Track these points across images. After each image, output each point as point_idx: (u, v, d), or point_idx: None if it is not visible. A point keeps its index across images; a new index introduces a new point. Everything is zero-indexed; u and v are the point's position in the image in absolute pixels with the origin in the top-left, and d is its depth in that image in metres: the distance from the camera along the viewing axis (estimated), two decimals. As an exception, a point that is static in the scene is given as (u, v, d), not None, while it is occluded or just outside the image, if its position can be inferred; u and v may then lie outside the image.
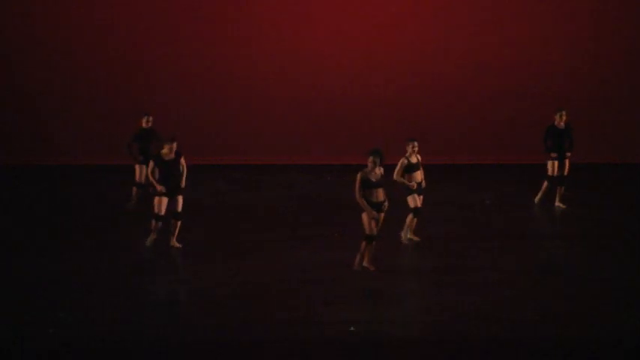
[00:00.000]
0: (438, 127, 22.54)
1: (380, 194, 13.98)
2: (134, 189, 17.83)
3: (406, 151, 15.47)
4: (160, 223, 15.17)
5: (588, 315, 12.52)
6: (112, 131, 21.49)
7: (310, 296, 13.23)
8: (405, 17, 22.71)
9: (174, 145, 15.18)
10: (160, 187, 15.04)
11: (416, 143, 15.49)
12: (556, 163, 18.04)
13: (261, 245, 15.74)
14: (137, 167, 17.80)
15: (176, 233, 15.26)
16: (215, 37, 22.50)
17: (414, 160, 15.50)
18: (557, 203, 18.19)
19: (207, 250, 15.49)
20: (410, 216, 15.55)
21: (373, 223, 13.92)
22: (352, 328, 11.94)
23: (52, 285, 13.67)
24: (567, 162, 18.11)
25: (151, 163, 15.24)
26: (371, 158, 13.93)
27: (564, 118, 18.07)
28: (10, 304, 12.86)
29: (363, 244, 14.06)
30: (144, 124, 17.90)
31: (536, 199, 18.40)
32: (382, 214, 14.05)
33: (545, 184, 18.28)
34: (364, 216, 13.95)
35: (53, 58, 22.42)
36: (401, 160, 15.45)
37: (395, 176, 15.30)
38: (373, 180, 13.94)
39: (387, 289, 13.61)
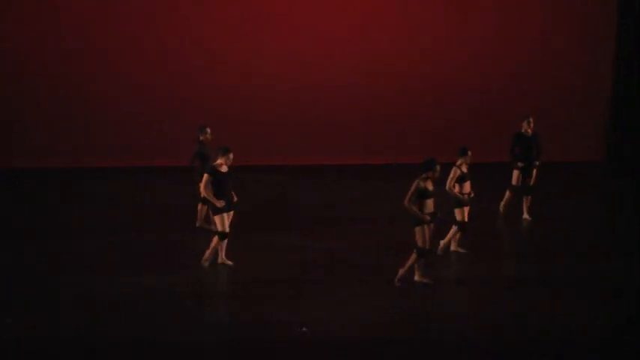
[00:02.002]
0: (412, 127, 22.60)
1: (432, 205, 13.28)
2: (199, 205, 15.83)
3: (457, 161, 14.86)
4: (225, 242, 14.20)
5: (552, 315, 12.57)
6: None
7: (264, 297, 13.16)
8: (372, 16, 22.69)
9: (231, 156, 14.11)
10: (219, 203, 13.93)
11: (470, 153, 14.92)
12: (519, 172, 17.24)
13: (203, 248, 15.21)
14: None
15: (225, 249, 14.41)
16: (186, 42, 22.30)
17: (465, 169, 14.91)
18: (524, 215, 17.45)
19: (163, 254, 15.23)
20: (455, 228, 14.92)
21: (427, 236, 13.22)
22: (304, 329, 11.87)
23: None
24: (535, 171, 17.31)
25: (206, 177, 13.94)
26: (437, 167, 13.21)
27: (532, 124, 17.35)
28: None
29: (413, 257, 13.30)
30: (203, 138, 16.10)
31: (501, 208, 17.57)
32: (432, 225, 13.35)
33: (508, 193, 17.53)
34: (418, 230, 13.18)
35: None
36: (454, 169, 14.81)
37: (447, 186, 14.70)
38: (430, 189, 13.27)
39: (340, 290, 13.51)
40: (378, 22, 22.77)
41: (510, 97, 22.96)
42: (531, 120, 17.36)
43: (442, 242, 15.01)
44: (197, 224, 15.81)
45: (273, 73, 22.42)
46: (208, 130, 16.07)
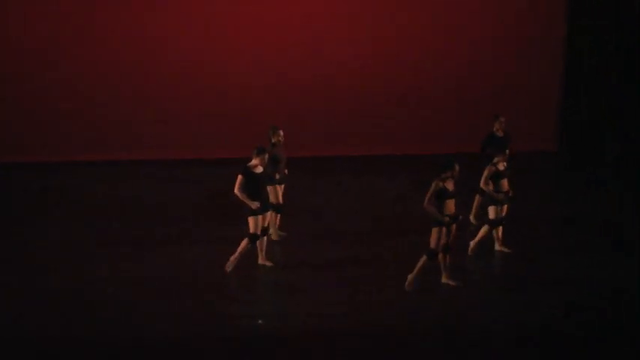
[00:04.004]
0: (358, 120, 22.50)
1: (453, 206, 12.99)
2: (272, 215, 15.20)
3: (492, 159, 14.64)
4: (265, 242, 13.90)
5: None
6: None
7: (218, 291, 13.17)
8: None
9: (266, 156, 13.87)
10: (254, 205, 13.65)
11: (507, 151, 14.64)
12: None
13: (169, 242, 15.46)
14: (270, 188, 15.00)
15: (264, 249, 14.17)
16: (133, 35, 21.85)
17: (501, 167, 14.61)
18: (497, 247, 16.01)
19: (117, 247, 15.13)
20: (486, 227, 14.65)
21: (443, 239, 12.96)
22: (260, 322, 11.97)
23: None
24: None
25: (240, 178, 13.62)
26: (457, 166, 12.95)
27: (503, 125, 16.70)
28: None
29: (424, 259, 13.00)
30: (275, 140, 15.28)
31: (472, 215, 16.41)
32: (454, 226, 13.07)
33: (478, 198, 16.27)
34: (435, 230, 12.86)
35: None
36: (488, 167, 14.53)
37: (482, 184, 14.49)
38: (450, 190, 12.98)
39: (295, 283, 13.59)
40: (354, 15, 22.67)
41: (465, 89, 23.00)
42: (502, 120, 16.70)
43: (472, 242, 14.79)
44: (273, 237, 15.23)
45: (180, 67, 21.94)
46: (281, 132, 15.26)
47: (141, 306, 12.54)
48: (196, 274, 13.84)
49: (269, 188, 14.96)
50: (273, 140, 15.21)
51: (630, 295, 13.26)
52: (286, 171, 15.41)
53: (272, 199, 14.98)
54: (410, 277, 13.08)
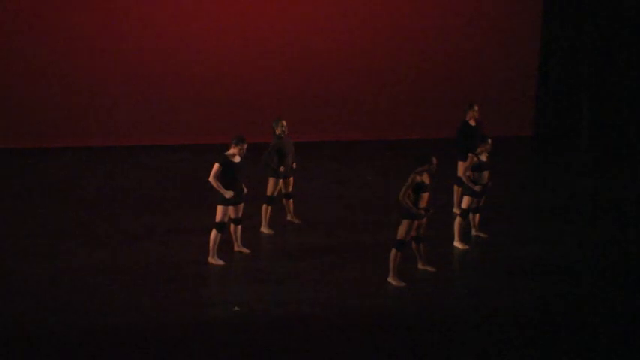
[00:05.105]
0: (318, 105, 22.51)
1: (427, 199, 12.83)
2: (264, 207, 15.15)
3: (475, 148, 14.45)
4: (221, 235, 13.66)
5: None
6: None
7: (193, 278, 13.12)
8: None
9: (245, 146, 13.56)
10: (228, 194, 13.41)
11: (490, 141, 14.38)
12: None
13: (139, 229, 15.32)
14: (272, 180, 15.02)
15: (239, 238, 14.09)
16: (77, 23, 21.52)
17: (484, 159, 14.42)
18: (474, 233, 15.30)
19: (93, 235, 15.00)
20: (458, 219, 14.54)
21: (413, 232, 12.87)
22: (236, 308, 11.92)
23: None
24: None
25: (216, 167, 13.39)
26: (434, 160, 12.80)
27: (477, 113, 16.19)
28: None
29: (394, 252, 12.86)
30: (279, 132, 14.92)
31: (455, 208, 16.04)
32: (425, 220, 12.95)
33: (456, 188, 16.06)
34: (406, 222, 12.71)
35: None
36: (470, 157, 14.35)
37: (462, 173, 14.38)
38: (426, 183, 12.83)
39: (271, 270, 13.55)
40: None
41: (441, 75, 23.07)
42: (476, 108, 16.19)
43: (473, 231, 14.87)
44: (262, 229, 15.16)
45: (131, 52, 21.73)
46: (284, 123, 14.90)
47: (116, 295, 12.42)
48: (171, 262, 13.72)
49: (271, 181, 14.96)
50: (277, 132, 14.93)
51: (608, 281, 13.31)
52: (294, 165, 15.17)
53: (270, 192, 14.96)
54: (390, 278, 12.97)
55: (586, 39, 23.11)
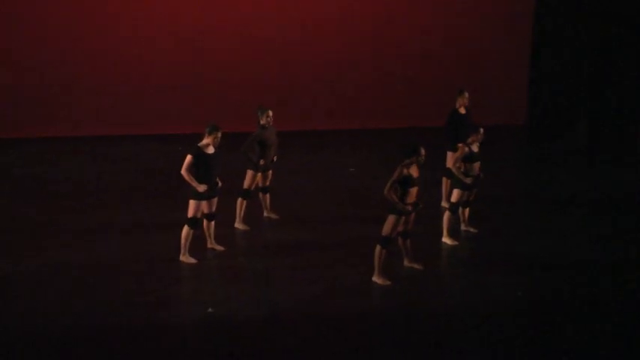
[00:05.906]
0: (293, 94, 22.07)
1: (415, 194, 12.15)
2: (239, 201, 14.56)
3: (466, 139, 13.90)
4: (193, 232, 13.07)
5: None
6: None
7: (163, 277, 12.70)
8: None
9: (219, 135, 12.87)
10: (201, 187, 12.77)
11: (482, 130, 13.79)
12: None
13: (109, 225, 14.85)
14: (250, 173, 14.45)
15: (213, 234, 13.56)
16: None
17: (475, 149, 13.83)
18: (463, 227, 14.77)
19: (58, 231, 14.52)
20: (447, 214, 13.93)
21: (400, 227, 12.29)
22: (210, 309, 11.62)
23: None
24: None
25: (188, 159, 12.73)
26: (423, 151, 12.10)
27: (467, 101, 15.51)
28: None
29: (379, 249, 12.24)
30: (264, 122, 14.24)
31: (444, 201, 15.57)
32: (413, 215, 12.35)
33: (445, 180, 15.59)
34: (392, 218, 12.06)
35: None
36: (461, 147, 13.80)
37: (452, 164, 13.81)
38: (414, 177, 12.11)
39: (247, 268, 13.17)
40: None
41: (431, 61, 22.73)
42: (466, 95, 15.55)
43: (463, 225, 14.35)
44: (236, 224, 14.59)
45: (103, 40, 21.17)
46: (270, 113, 14.21)
47: (81, 294, 11.99)
48: (139, 260, 13.27)
49: (250, 174, 14.36)
50: (261, 122, 14.23)
51: (600, 272, 13.07)
52: (275, 158, 14.54)
53: (247, 185, 14.40)
54: (375, 276, 12.40)
55: (580, 27, 22.81)
